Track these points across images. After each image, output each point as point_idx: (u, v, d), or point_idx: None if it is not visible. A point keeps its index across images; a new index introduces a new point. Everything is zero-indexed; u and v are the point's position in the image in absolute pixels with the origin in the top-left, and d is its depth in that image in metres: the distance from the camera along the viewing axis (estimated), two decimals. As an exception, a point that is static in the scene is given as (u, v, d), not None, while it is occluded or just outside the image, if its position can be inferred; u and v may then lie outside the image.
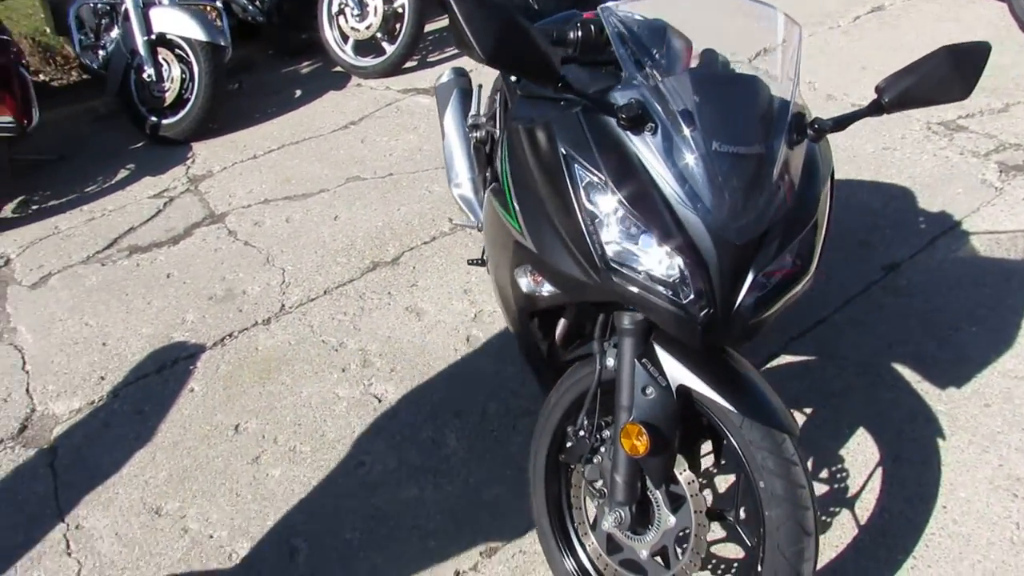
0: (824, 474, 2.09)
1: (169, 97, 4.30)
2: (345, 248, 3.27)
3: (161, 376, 2.71)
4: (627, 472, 1.55)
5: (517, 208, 1.58)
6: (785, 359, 2.45)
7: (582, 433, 1.66)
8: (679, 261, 1.34)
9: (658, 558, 1.63)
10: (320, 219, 3.50)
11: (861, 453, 2.13)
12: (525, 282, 1.69)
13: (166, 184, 4.00)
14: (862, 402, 2.27)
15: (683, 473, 1.57)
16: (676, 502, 1.59)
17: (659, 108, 1.37)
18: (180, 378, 2.68)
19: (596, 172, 1.39)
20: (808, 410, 2.27)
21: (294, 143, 4.27)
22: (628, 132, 1.38)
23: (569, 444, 1.72)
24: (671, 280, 1.35)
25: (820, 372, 2.39)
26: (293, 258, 3.24)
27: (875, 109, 1.41)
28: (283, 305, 2.98)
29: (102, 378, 2.74)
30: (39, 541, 2.17)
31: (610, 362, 1.57)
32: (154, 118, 4.33)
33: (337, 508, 2.15)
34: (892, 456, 2.10)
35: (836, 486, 2.06)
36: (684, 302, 1.35)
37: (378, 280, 3.05)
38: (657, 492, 1.59)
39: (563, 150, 1.43)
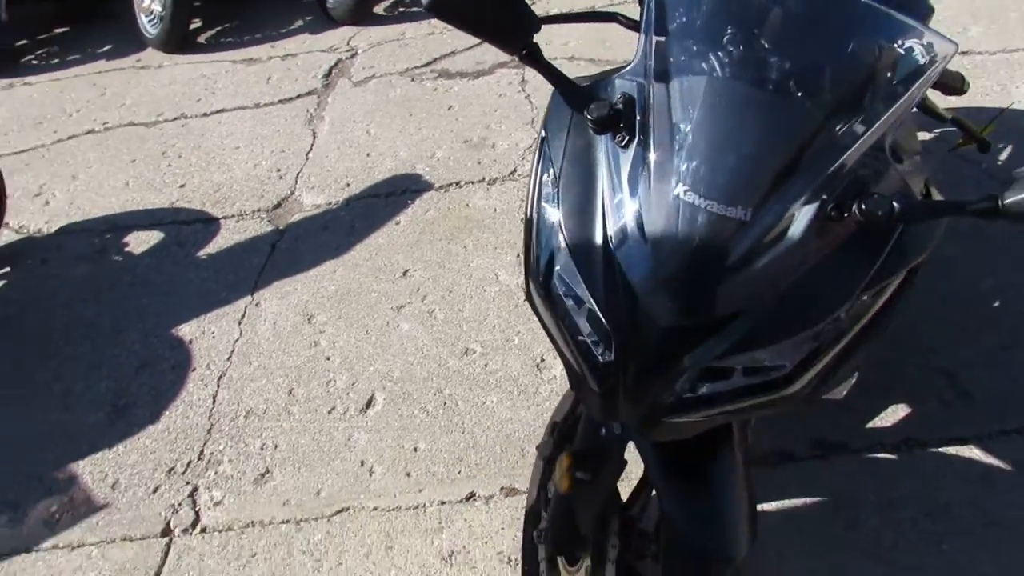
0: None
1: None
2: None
3: (386, 201, 2.95)
4: (553, 505, 1.38)
5: None
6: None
7: None
8: (599, 317, 1.06)
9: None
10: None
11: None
12: None
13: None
14: None
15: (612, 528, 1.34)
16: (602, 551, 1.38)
17: (644, 115, 1.04)
18: (397, 208, 2.89)
19: (552, 169, 1.12)
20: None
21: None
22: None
23: None
24: (586, 333, 1.07)
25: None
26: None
27: (990, 211, 0.91)
28: (515, 170, 2.99)
29: (348, 185, 3.06)
30: (228, 303, 2.62)
31: None
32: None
33: (429, 381, 2.23)
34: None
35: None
36: (591, 363, 1.07)
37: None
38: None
39: (543, 131, 1.18)
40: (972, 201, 0.91)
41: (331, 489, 2.01)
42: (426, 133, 3.26)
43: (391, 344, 2.36)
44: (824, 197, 0.97)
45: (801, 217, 0.97)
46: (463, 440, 2.07)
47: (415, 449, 2.07)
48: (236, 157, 3.33)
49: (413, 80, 3.65)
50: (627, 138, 1.06)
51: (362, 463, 2.06)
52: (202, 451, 2.16)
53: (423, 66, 3.76)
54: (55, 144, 3.66)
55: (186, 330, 2.54)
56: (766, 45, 1.06)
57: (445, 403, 2.16)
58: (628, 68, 1.13)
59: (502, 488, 1.94)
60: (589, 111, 1.06)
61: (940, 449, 1.85)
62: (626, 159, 1.05)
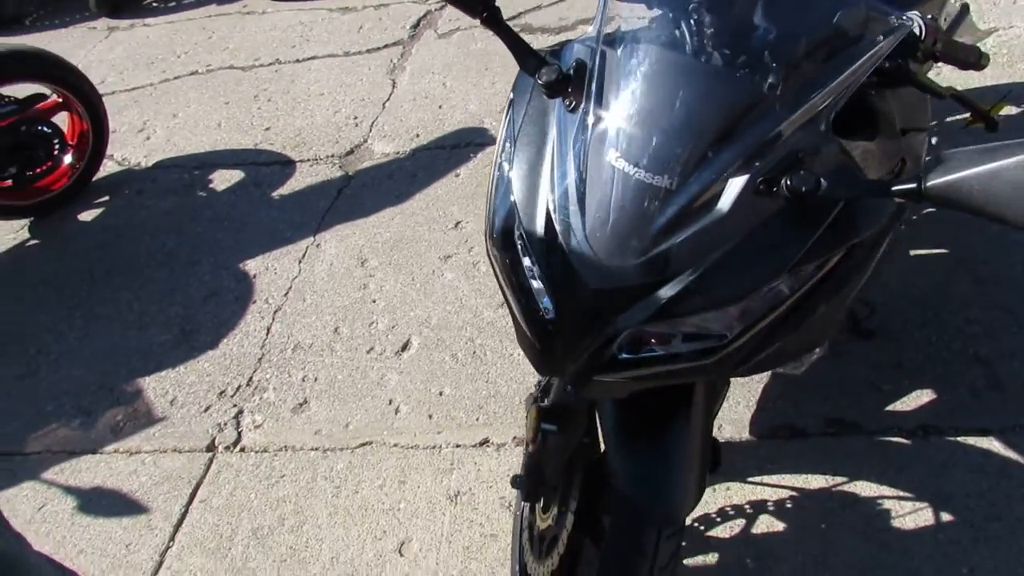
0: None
1: None
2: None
3: (450, 153, 3.03)
4: (525, 455, 1.44)
5: None
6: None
7: None
8: (541, 275, 1.10)
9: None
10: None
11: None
12: None
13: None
14: None
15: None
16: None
17: (591, 81, 1.06)
18: (459, 161, 2.97)
19: (514, 129, 1.16)
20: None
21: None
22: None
23: None
24: (528, 290, 1.12)
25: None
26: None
27: (913, 193, 0.89)
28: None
29: (417, 136, 3.16)
30: (292, 242, 2.78)
31: None
32: None
33: (463, 330, 2.32)
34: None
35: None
36: (532, 319, 1.12)
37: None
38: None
39: (512, 91, 1.21)
40: (896, 182, 0.90)
41: (359, 423, 2.14)
42: (499, 88, 3.30)
43: (433, 291, 2.46)
44: (755, 170, 0.97)
45: (731, 189, 0.98)
46: (486, 389, 2.15)
47: (440, 393, 2.17)
48: (319, 103, 3.48)
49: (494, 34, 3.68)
50: (574, 103, 1.08)
51: (390, 402, 2.18)
52: (251, 378, 2.34)
53: (512, 18, 3.77)
54: (162, 83, 3.92)
55: (252, 265, 2.72)
56: (711, 16, 1.06)
57: (475, 352, 2.25)
58: (587, 33, 1.15)
59: (514, 437, 2.01)
60: (540, 75, 1.09)
61: (958, 438, 1.79)
62: (572, 123, 1.08)
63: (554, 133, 1.11)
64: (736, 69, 1.02)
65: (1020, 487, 1.68)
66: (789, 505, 1.74)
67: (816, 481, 1.77)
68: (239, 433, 2.19)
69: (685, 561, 1.69)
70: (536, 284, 1.09)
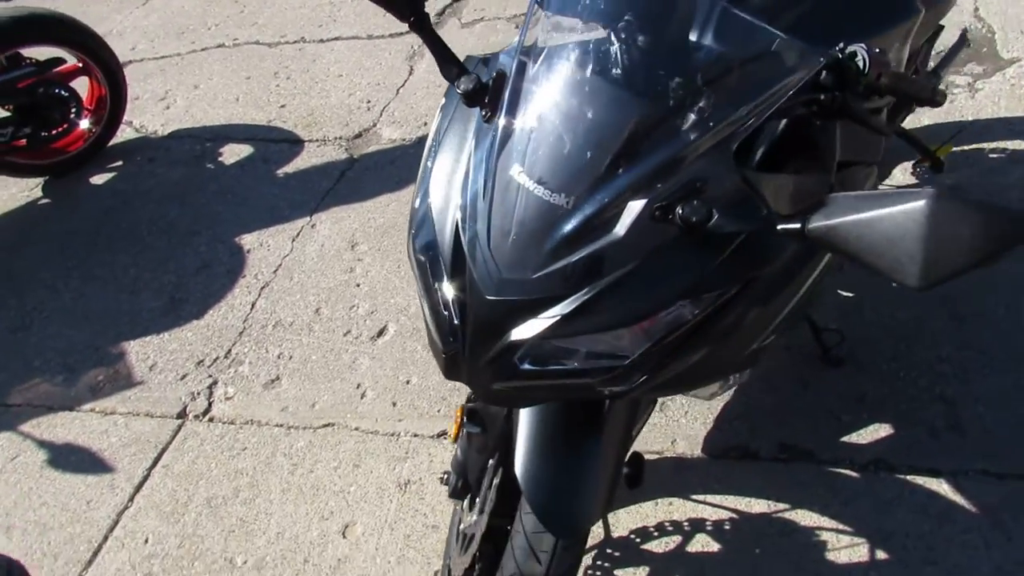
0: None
1: None
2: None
3: (454, 144, 3.04)
4: (453, 453, 1.46)
5: None
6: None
7: None
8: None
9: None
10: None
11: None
12: None
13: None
14: None
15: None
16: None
17: (506, 93, 1.06)
18: (461, 152, 2.98)
19: (437, 133, 1.17)
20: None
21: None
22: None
23: None
24: (437, 294, 1.13)
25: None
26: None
27: (796, 233, 0.89)
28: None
29: (425, 123, 3.18)
30: (289, 221, 2.83)
31: None
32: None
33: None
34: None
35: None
36: (439, 323, 1.14)
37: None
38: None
39: (446, 94, 1.22)
40: (781, 220, 0.89)
41: (325, 404, 2.18)
42: (511, 82, 3.30)
43: (410, 285, 2.48)
44: (652, 195, 0.97)
45: (628, 212, 0.98)
46: (451, 382, 2.17)
47: (407, 382, 2.20)
48: (336, 84, 3.52)
49: (517, 27, 3.68)
50: (489, 113, 1.09)
51: (358, 386, 2.21)
52: (230, 350, 2.39)
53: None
54: (189, 54, 3.99)
55: (247, 240, 2.77)
56: (627, 40, 1.06)
57: (446, 344, 2.27)
58: (511, 45, 1.15)
59: (471, 433, 2.02)
60: (458, 84, 1.10)
61: (908, 477, 1.77)
62: (486, 133, 1.09)
63: (471, 141, 1.12)
64: (644, 93, 1.02)
65: (961, 533, 1.65)
66: (728, 526, 1.74)
67: (759, 505, 1.77)
68: (210, 403, 2.24)
69: (616, 572, 1.70)
70: (444, 288, 1.10)
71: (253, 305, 2.52)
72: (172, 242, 2.82)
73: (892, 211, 0.80)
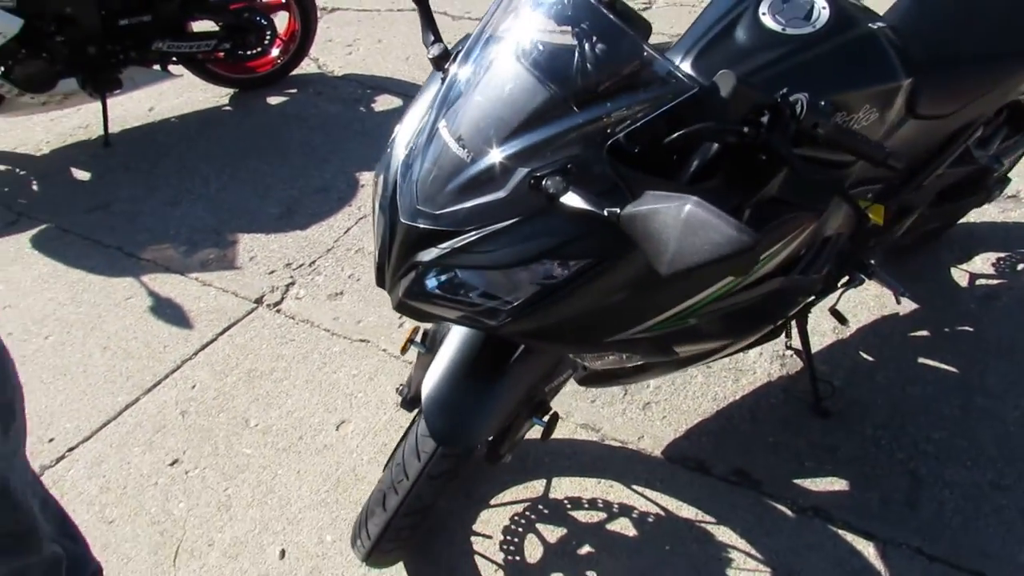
0: None
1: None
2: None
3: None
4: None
5: None
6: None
7: None
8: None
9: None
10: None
11: None
12: None
13: None
14: None
15: None
16: None
17: (456, 63, 1.29)
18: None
19: (419, 90, 1.41)
20: None
21: None
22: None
23: None
24: (380, 214, 1.37)
25: None
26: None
27: (613, 218, 1.06)
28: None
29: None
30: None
31: None
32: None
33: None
34: None
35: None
36: (378, 238, 1.37)
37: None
38: None
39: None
40: (610, 204, 1.05)
41: (368, 324, 2.50)
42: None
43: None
44: (532, 167, 1.16)
45: (515, 176, 1.18)
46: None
47: (441, 325, 2.47)
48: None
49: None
50: (445, 78, 1.32)
51: (400, 317, 2.51)
52: (315, 261, 2.77)
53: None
54: (387, 11, 4.47)
55: (365, 177, 3.15)
56: (545, 40, 1.25)
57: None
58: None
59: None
60: (429, 50, 1.34)
61: (839, 531, 1.81)
62: (439, 90, 1.32)
63: (430, 95, 1.36)
64: (547, 84, 1.21)
65: (864, 594, 1.69)
66: (651, 520, 1.87)
67: (687, 511, 1.88)
68: (283, 298, 2.62)
69: (539, 525, 1.88)
70: (381, 212, 1.35)
71: (348, 231, 2.89)
72: (307, 164, 3.26)
73: (665, 207, 0.96)
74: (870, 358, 2.22)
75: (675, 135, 1.21)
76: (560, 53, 1.24)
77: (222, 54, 3.55)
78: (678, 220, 0.94)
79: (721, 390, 2.17)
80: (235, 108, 3.73)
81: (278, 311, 2.58)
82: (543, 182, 1.13)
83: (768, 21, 1.42)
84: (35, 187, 3.31)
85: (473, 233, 1.21)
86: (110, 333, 2.53)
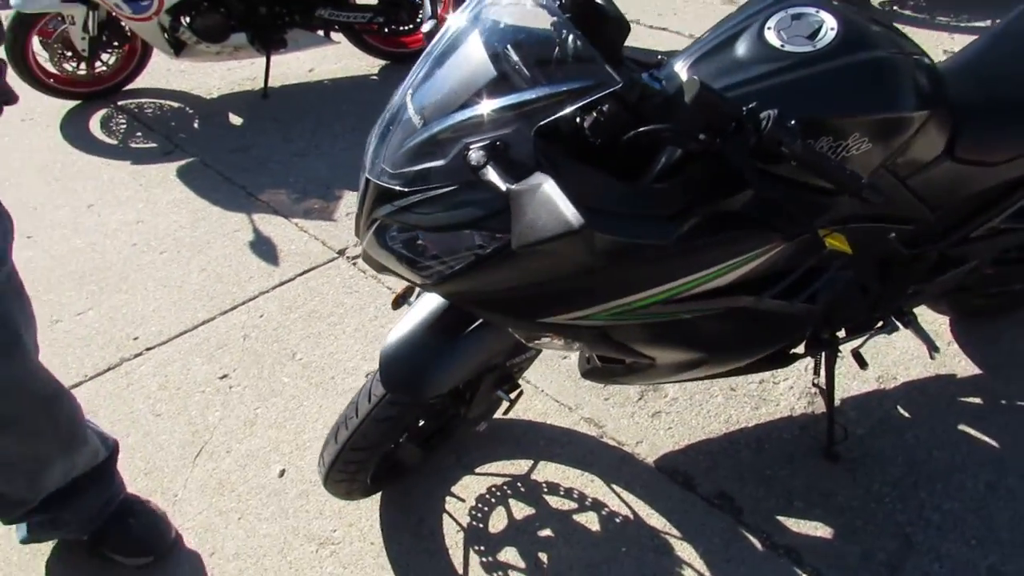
0: None
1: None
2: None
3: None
4: None
5: None
6: None
7: None
8: None
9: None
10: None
11: None
12: None
13: None
14: None
15: None
16: None
17: (434, 39, 1.38)
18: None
19: None
20: None
21: None
22: None
23: None
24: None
25: None
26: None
27: (505, 193, 1.12)
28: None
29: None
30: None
31: None
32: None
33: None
34: None
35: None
36: (359, 192, 1.49)
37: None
38: None
39: None
40: (513, 180, 1.11)
41: (427, 289, 2.65)
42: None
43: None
44: (468, 140, 1.24)
45: (456, 146, 1.26)
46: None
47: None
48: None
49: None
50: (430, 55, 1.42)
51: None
52: (401, 225, 2.96)
53: None
54: (545, 6, 4.60)
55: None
56: (507, 23, 1.31)
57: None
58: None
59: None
60: (423, 27, 1.44)
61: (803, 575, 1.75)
62: (418, 61, 1.42)
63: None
64: (495, 66, 1.27)
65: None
66: (618, 520, 1.89)
67: (656, 520, 1.88)
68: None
69: (511, 500, 1.95)
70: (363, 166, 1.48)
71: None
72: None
73: (529, 186, 1.01)
74: (906, 414, 2.09)
75: (631, 133, 1.25)
76: (514, 37, 1.31)
77: (376, 27, 3.83)
78: (532, 199, 1.00)
79: (737, 414, 2.13)
80: (381, 79, 4.01)
81: (354, 264, 2.79)
82: (469, 154, 1.21)
83: (771, 36, 1.40)
84: (196, 125, 3.75)
85: (418, 195, 1.31)
86: (211, 258, 2.85)
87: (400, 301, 1.78)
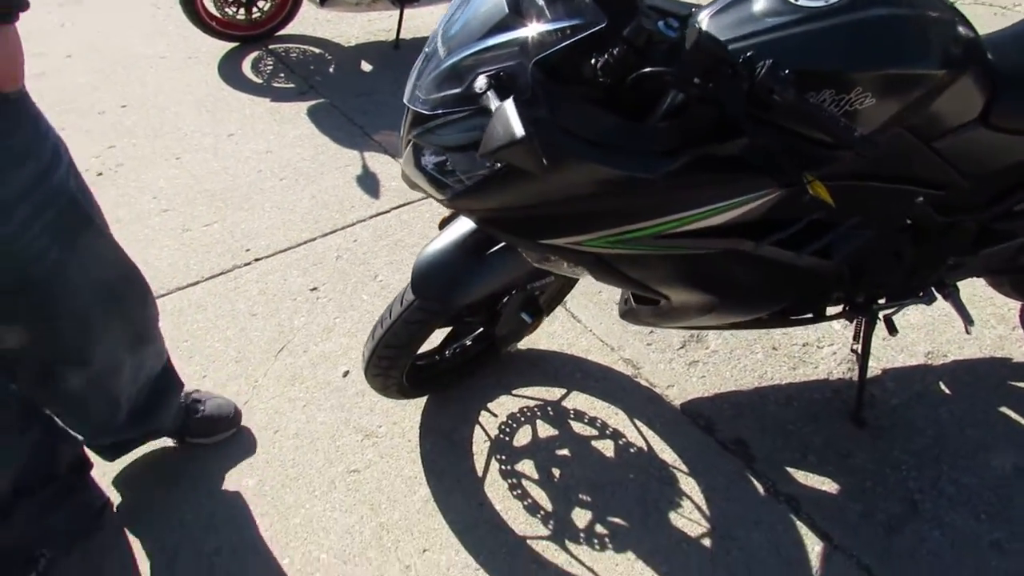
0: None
1: None
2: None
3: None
4: None
5: None
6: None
7: None
8: None
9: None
10: None
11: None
12: None
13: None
14: None
15: None
16: None
17: None
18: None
19: None
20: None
21: None
22: None
23: None
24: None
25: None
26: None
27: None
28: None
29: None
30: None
31: None
32: None
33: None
34: None
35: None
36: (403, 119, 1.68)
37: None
38: None
39: None
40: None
41: (505, 230, 2.83)
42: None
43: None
44: (480, 70, 1.39)
45: (471, 75, 1.42)
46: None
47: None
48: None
49: None
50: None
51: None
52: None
53: None
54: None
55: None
56: None
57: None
58: None
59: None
60: None
61: (798, 522, 1.80)
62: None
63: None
64: (511, 6, 1.41)
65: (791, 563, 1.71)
66: (632, 450, 2.01)
67: (668, 455, 1.99)
68: (454, 194, 3.05)
69: (538, 421, 2.11)
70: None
71: (534, 153, 3.22)
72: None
73: (500, 105, 1.17)
74: (947, 390, 2.07)
75: (634, 75, 1.37)
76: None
77: None
78: (495, 115, 1.15)
79: (773, 372, 2.18)
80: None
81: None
82: (476, 81, 1.37)
83: None
84: (331, 70, 4.08)
85: (441, 119, 1.49)
86: (323, 187, 3.16)
87: (445, 223, 1.97)
